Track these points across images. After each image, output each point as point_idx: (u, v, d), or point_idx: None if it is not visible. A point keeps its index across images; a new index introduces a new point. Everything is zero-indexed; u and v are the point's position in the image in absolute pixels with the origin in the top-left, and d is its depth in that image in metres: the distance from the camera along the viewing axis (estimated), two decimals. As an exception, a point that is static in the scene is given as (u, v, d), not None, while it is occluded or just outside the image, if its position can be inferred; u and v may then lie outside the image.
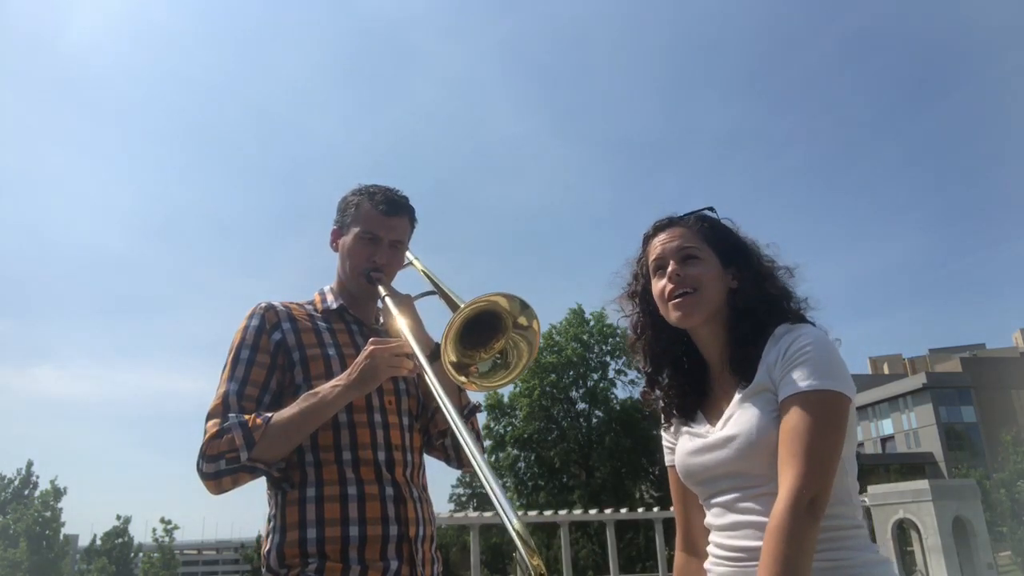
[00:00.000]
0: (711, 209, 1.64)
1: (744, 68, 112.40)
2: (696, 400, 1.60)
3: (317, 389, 1.70)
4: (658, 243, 1.60)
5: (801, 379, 1.36)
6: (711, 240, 1.58)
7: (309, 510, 1.70)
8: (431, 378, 1.63)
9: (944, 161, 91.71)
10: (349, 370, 1.70)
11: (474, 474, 1.51)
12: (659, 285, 1.57)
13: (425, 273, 2.02)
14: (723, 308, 1.55)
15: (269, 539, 1.74)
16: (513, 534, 1.23)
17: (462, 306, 1.61)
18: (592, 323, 37.60)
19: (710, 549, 1.53)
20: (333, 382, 1.70)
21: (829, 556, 1.34)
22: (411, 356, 1.68)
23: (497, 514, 1.26)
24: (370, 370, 1.67)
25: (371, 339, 1.72)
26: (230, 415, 1.68)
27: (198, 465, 1.66)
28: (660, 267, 1.58)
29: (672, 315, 1.55)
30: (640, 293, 1.65)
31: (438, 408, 1.65)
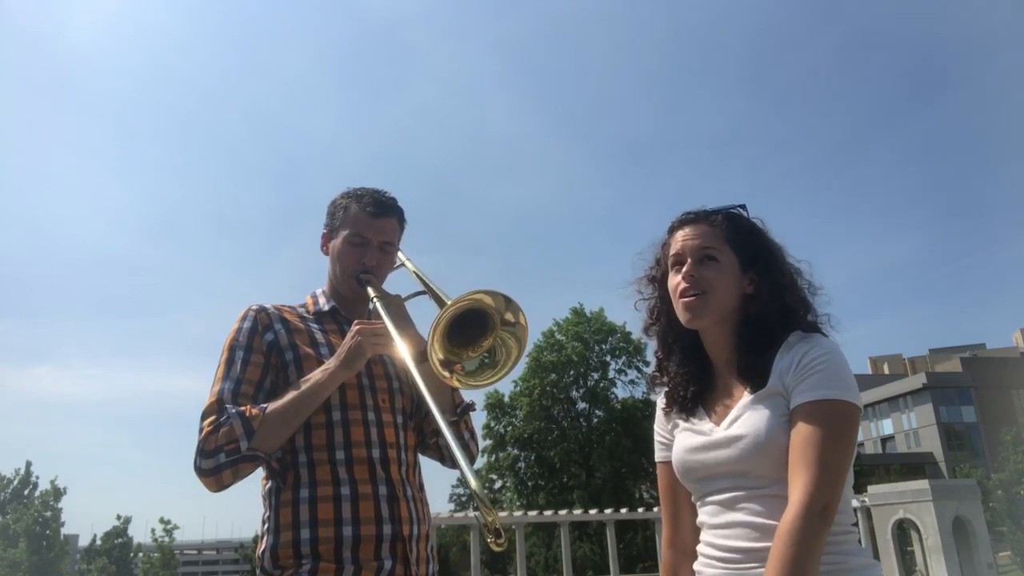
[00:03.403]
0: (743, 207, 1.63)
1: (743, 68, 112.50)
2: (699, 394, 1.60)
3: (308, 376, 1.75)
4: (680, 237, 1.59)
5: (816, 388, 1.38)
6: (734, 242, 1.56)
7: (303, 511, 1.70)
8: (417, 377, 1.65)
9: (944, 161, 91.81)
10: (337, 352, 1.77)
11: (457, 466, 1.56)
12: (674, 281, 1.58)
13: (416, 274, 2.03)
14: (735, 313, 1.55)
15: (263, 540, 1.75)
16: (473, 491, 1.43)
17: (448, 303, 1.62)
18: (593, 322, 37.63)
19: (701, 548, 1.52)
20: (323, 367, 1.76)
21: (826, 559, 1.34)
22: (389, 336, 1.77)
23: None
24: (356, 348, 1.73)
25: (356, 321, 1.79)
26: (227, 407, 1.69)
27: (195, 463, 1.66)
28: (678, 262, 1.58)
29: (681, 314, 1.56)
30: (659, 279, 1.65)
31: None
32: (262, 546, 1.74)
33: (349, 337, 1.76)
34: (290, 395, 1.71)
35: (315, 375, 1.74)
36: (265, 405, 1.70)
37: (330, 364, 1.75)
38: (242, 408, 1.68)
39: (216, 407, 1.71)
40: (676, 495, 1.64)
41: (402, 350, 1.73)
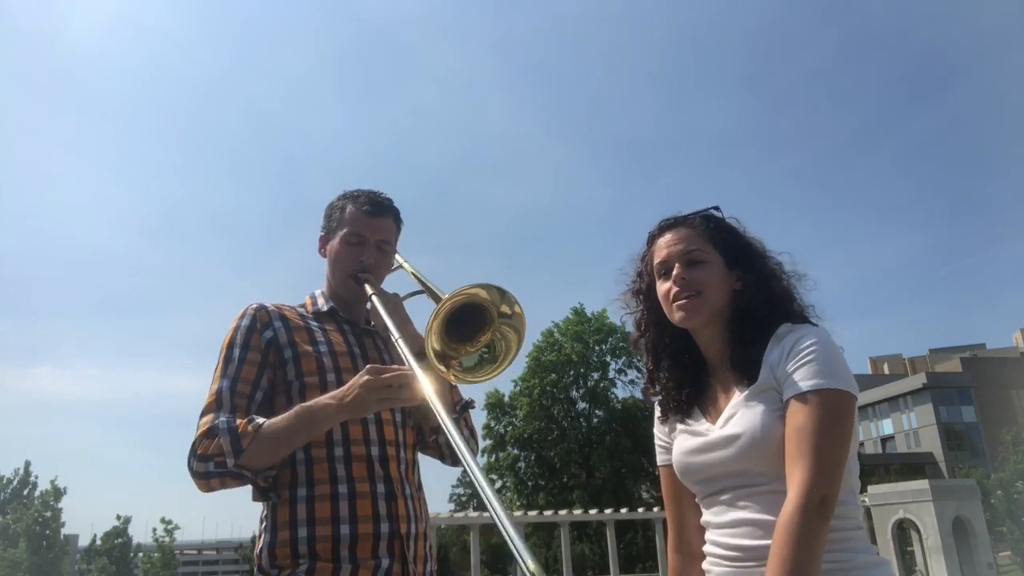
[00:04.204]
0: (716, 208, 1.64)
1: (743, 68, 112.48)
2: (693, 396, 1.60)
3: (311, 403, 1.66)
4: (664, 244, 1.59)
5: (807, 378, 1.36)
6: (716, 241, 1.57)
7: (300, 510, 1.70)
8: (421, 378, 1.62)
9: (943, 161, 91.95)
10: (344, 390, 1.63)
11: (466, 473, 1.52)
12: (664, 287, 1.57)
13: (415, 275, 2.02)
14: (726, 309, 1.55)
15: (261, 539, 1.74)
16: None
17: (444, 298, 1.61)
18: (593, 322, 37.61)
19: (707, 548, 1.51)
20: (327, 399, 1.65)
21: (832, 557, 1.33)
22: (411, 383, 1.57)
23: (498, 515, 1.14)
24: (359, 401, 1.61)
25: (369, 367, 1.62)
26: (221, 417, 1.68)
27: (189, 462, 1.66)
28: (665, 269, 1.58)
29: (676, 316, 1.55)
30: (644, 291, 1.65)
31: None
32: (259, 545, 1.74)
33: (357, 384, 1.61)
34: (288, 421, 1.64)
35: (318, 406, 1.64)
36: (261, 422, 1.65)
37: (333, 400, 1.63)
38: (237, 423, 1.65)
39: (214, 406, 1.71)
40: (680, 498, 1.64)
41: (402, 348, 1.71)
